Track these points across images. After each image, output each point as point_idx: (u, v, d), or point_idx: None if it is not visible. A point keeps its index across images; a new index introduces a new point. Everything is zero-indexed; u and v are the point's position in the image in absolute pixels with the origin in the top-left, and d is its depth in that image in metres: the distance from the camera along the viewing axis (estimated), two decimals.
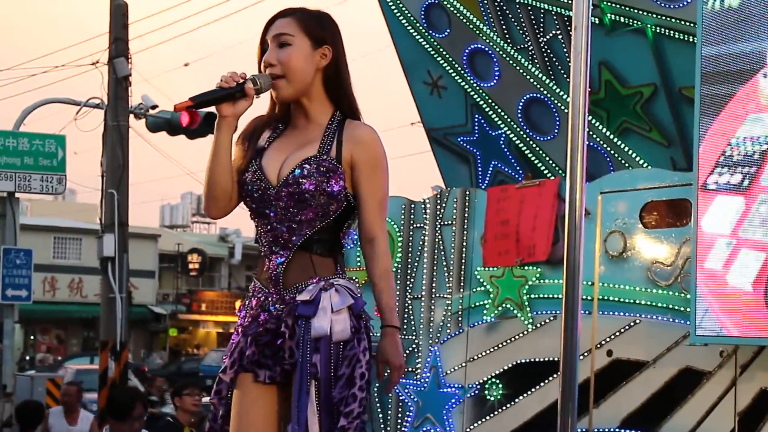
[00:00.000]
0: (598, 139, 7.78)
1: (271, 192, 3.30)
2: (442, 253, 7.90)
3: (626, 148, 7.67)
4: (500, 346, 7.47)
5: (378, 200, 3.32)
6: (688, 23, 7.01)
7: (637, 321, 6.71)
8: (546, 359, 7.14)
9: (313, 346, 3.21)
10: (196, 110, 3.34)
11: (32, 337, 40.93)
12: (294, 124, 3.42)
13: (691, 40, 6.84)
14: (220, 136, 3.29)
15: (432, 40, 8.87)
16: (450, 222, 7.90)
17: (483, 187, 8.54)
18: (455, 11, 8.58)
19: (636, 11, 7.38)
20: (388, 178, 3.36)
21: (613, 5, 7.49)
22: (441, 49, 8.83)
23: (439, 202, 8.01)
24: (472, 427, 7.58)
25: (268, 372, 3.29)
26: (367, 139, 3.32)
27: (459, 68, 8.74)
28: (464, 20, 8.55)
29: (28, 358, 37.15)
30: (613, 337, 6.80)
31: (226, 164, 3.30)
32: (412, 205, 8.20)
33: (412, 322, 8.02)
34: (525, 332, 7.34)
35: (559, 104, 8.10)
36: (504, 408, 7.44)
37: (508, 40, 8.32)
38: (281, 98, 3.36)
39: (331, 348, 3.21)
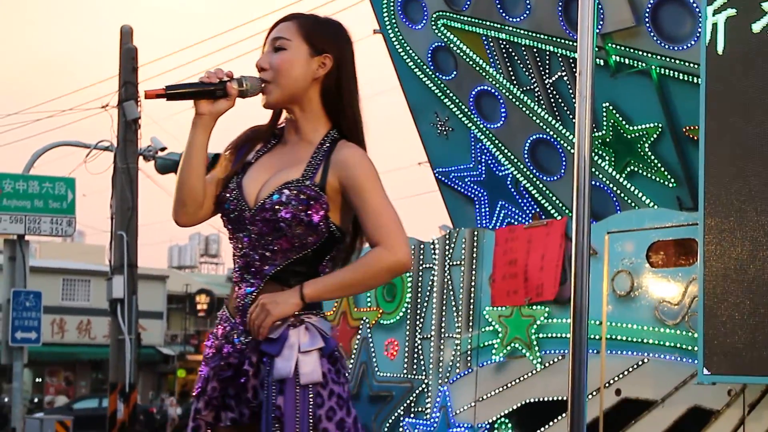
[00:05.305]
0: (604, 180, 7.84)
1: (247, 215, 3.01)
2: (451, 293, 7.94)
3: (633, 188, 7.73)
4: (509, 385, 7.49)
5: (377, 215, 2.98)
6: (692, 64, 7.08)
7: (645, 360, 6.73)
8: (555, 399, 7.16)
9: (278, 388, 2.91)
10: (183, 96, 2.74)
11: (39, 380, 40.88)
12: (285, 139, 3.13)
13: (695, 80, 6.91)
14: (195, 135, 3.01)
15: (439, 82, 8.96)
16: (459, 262, 7.95)
17: (490, 227, 8.59)
18: (462, 54, 8.68)
19: (640, 53, 7.47)
20: (381, 190, 3.01)
21: (618, 47, 7.57)
22: (448, 91, 8.93)
23: (447, 242, 8.07)
24: None
25: (231, 414, 3.00)
26: (351, 161, 3.00)
27: (466, 110, 8.83)
28: (471, 62, 8.65)
29: (36, 400, 37.08)
30: (621, 376, 6.82)
31: (198, 166, 3.02)
32: (422, 246, 8.25)
33: (422, 362, 8.05)
34: (533, 372, 7.36)
35: (565, 144, 8.17)
36: None
37: (514, 82, 8.41)
38: (267, 104, 3.07)
39: (297, 391, 2.91)
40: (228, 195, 3.05)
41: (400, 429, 8.10)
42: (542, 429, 7.27)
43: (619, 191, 7.80)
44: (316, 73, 3.05)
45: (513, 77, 8.41)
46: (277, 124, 3.17)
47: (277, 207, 2.96)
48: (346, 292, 3.10)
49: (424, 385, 8.00)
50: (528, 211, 8.53)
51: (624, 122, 7.70)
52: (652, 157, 7.60)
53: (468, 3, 8.58)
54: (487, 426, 7.58)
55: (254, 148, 3.14)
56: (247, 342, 3.00)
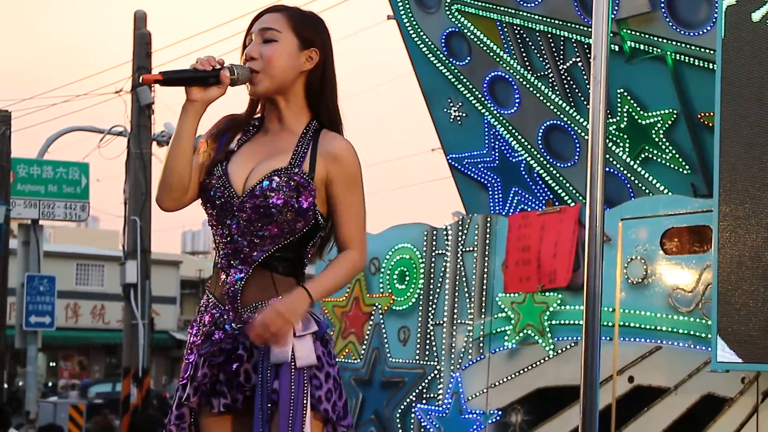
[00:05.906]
0: (618, 166, 7.81)
1: (235, 202, 3.07)
2: (464, 279, 7.93)
3: (647, 175, 7.70)
4: (521, 372, 7.49)
5: (355, 217, 3.12)
6: (707, 50, 7.04)
7: (659, 347, 6.72)
8: (567, 385, 7.14)
9: (274, 372, 2.99)
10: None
11: (53, 364, 41.06)
12: (266, 128, 3.20)
13: (710, 66, 6.88)
14: (185, 121, 3.07)
15: (453, 67, 8.93)
16: (471, 248, 7.93)
17: (503, 213, 8.57)
18: (476, 39, 8.65)
19: (655, 39, 7.42)
20: (363, 192, 3.16)
21: (633, 33, 7.53)
22: (462, 77, 8.90)
23: (460, 228, 8.05)
24: None
25: (224, 400, 3.05)
26: (344, 155, 3.10)
27: (479, 95, 8.80)
28: (484, 48, 8.61)
29: (50, 384, 37.25)
30: (634, 363, 6.80)
31: (186, 151, 3.08)
32: (434, 232, 8.24)
33: (434, 348, 8.05)
34: (546, 358, 7.35)
35: (579, 131, 8.14)
36: None
37: (528, 68, 8.38)
38: (256, 93, 3.14)
39: (292, 374, 2.99)
40: (214, 182, 3.11)
41: (412, 415, 8.11)
42: (554, 416, 7.27)
43: (633, 178, 7.77)
44: (303, 66, 3.15)
45: (527, 63, 8.38)
46: (255, 113, 3.24)
47: (268, 193, 3.03)
48: (333, 293, 3.20)
49: (436, 371, 8.00)
50: (541, 198, 8.51)
51: (639, 108, 7.66)
52: (667, 144, 7.57)
53: None
54: (500, 412, 7.57)
55: (235, 136, 3.21)
56: (238, 327, 3.05)
